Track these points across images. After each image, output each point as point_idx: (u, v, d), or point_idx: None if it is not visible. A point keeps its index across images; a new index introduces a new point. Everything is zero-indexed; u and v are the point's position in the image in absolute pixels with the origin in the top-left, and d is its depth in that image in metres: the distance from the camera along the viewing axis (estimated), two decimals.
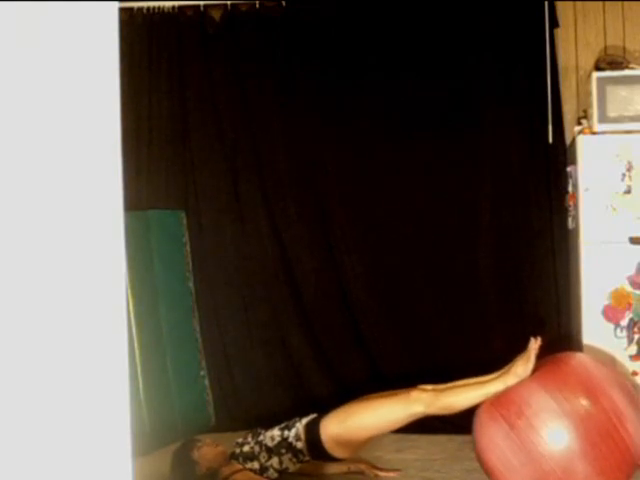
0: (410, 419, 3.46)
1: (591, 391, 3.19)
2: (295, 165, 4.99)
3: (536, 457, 3.09)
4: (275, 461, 3.56)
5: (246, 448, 3.62)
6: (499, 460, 3.19)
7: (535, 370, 3.31)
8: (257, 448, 3.60)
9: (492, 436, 3.22)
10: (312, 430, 3.54)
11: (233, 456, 3.61)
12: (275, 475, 3.57)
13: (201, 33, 5.01)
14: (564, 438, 3.09)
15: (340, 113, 4.92)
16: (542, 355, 3.41)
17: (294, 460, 3.57)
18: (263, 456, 3.57)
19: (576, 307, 4.39)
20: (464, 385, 3.48)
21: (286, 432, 3.58)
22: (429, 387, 3.53)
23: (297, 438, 3.55)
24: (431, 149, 4.84)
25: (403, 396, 3.46)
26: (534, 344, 3.34)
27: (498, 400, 3.27)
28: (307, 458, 3.57)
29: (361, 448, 3.68)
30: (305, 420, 3.61)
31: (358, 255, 4.93)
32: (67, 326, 1.17)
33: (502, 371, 3.41)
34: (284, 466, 3.57)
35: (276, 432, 3.61)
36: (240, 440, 3.68)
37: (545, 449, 3.08)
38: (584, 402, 3.14)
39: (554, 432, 3.10)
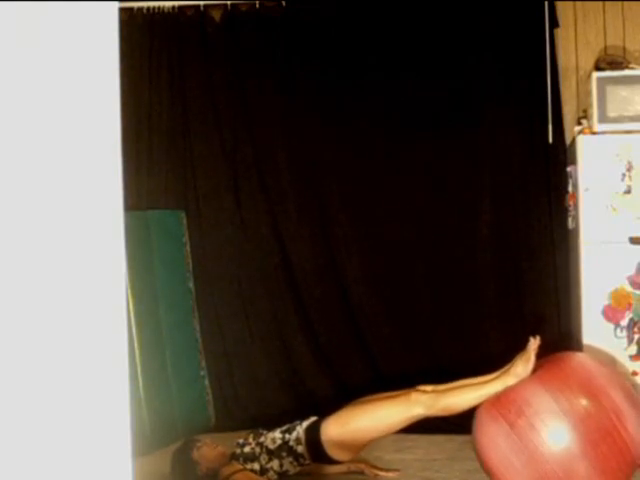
0: (410, 421, 3.46)
1: (591, 391, 3.19)
2: (295, 165, 4.99)
3: (537, 457, 3.09)
4: (275, 464, 3.56)
5: (247, 449, 3.61)
6: (499, 460, 3.19)
7: (535, 370, 3.31)
8: (258, 449, 3.60)
9: (492, 436, 3.22)
10: (312, 434, 3.54)
11: (234, 456, 3.61)
12: (275, 477, 3.57)
13: (201, 33, 5.01)
14: (564, 438, 3.09)
15: (340, 113, 4.92)
16: (542, 355, 3.41)
17: (294, 463, 3.57)
18: (264, 458, 3.57)
19: (576, 307, 4.39)
20: (464, 386, 3.48)
21: (287, 435, 3.58)
22: (429, 388, 3.53)
23: (298, 442, 3.55)
24: (431, 149, 4.84)
25: (403, 398, 3.46)
26: (534, 344, 3.34)
27: (498, 400, 3.27)
28: (308, 461, 3.57)
29: (361, 450, 3.69)
30: (305, 423, 3.61)
31: (358, 255, 4.93)
32: (67, 326, 1.17)
33: (502, 371, 3.41)
34: (284, 469, 3.57)
35: (277, 434, 3.61)
36: (241, 441, 3.68)
37: (545, 449, 3.08)
38: (584, 402, 3.14)
39: (554, 432, 3.09)
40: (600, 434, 3.08)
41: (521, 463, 3.12)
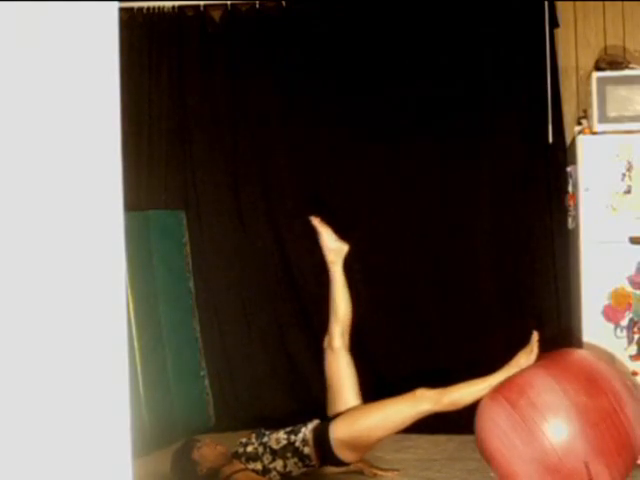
0: (417, 417, 3.49)
1: (592, 376, 3.28)
2: (295, 165, 4.99)
3: (537, 435, 3.14)
4: (279, 464, 3.56)
5: (250, 448, 3.61)
6: (500, 441, 3.23)
7: (537, 361, 3.41)
8: (261, 449, 3.59)
9: (494, 417, 3.27)
10: (320, 434, 3.54)
11: (236, 455, 3.60)
12: (278, 478, 3.57)
13: (201, 33, 5.01)
14: (565, 417, 3.13)
15: (340, 114, 4.92)
16: (542, 354, 3.47)
17: (299, 464, 3.57)
18: (267, 458, 3.57)
19: (576, 307, 4.38)
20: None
21: (292, 436, 3.58)
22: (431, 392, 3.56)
23: (304, 443, 3.55)
24: (431, 150, 4.84)
25: (409, 395, 3.50)
26: (536, 336, 3.45)
27: (501, 384, 3.38)
28: (313, 463, 3.57)
29: (369, 451, 3.69)
30: (311, 425, 3.61)
31: (358, 255, 4.92)
32: (67, 326, 1.17)
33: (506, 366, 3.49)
34: (288, 469, 3.57)
35: (282, 435, 3.60)
36: (244, 440, 3.67)
37: (546, 428, 3.13)
38: (586, 384, 3.23)
39: (555, 411, 3.14)
40: (599, 415, 3.15)
41: (522, 441, 3.17)
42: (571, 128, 4.66)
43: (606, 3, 4.82)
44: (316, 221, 3.91)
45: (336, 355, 3.84)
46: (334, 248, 3.93)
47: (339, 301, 3.89)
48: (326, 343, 3.91)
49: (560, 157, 4.71)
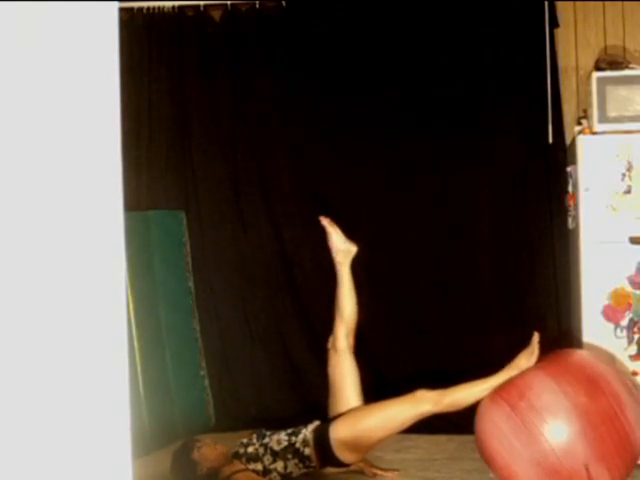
0: (418, 418, 3.50)
1: (593, 378, 3.28)
2: (295, 165, 5.00)
3: (537, 437, 3.14)
4: (280, 465, 3.56)
5: (250, 449, 3.61)
6: (500, 443, 3.24)
7: (537, 363, 3.42)
8: (262, 450, 3.59)
9: (494, 419, 3.27)
10: (321, 435, 3.54)
11: (236, 456, 3.60)
12: (278, 479, 3.57)
13: (201, 33, 5.01)
14: (565, 419, 3.13)
15: (340, 114, 4.92)
16: (542, 354, 3.47)
17: (300, 465, 3.57)
18: (267, 459, 3.57)
19: (576, 307, 4.38)
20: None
21: (293, 437, 3.59)
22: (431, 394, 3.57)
23: (305, 444, 3.55)
24: (431, 149, 4.84)
25: (409, 396, 3.50)
26: (537, 337, 3.45)
27: (501, 386, 3.38)
28: (314, 464, 3.57)
29: (369, 451, 3.69)
30: (311, 426, 3.61)
31: (358, 255, 4.92)
32: (67, 326, 1.17)
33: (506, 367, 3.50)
34: (288, 470, 3.57)
35: (283, 436, 3.61)
36: (245, 440, 3.67)
37: (546, 429, 3.13)
38: (586, 386, 3.23)
39: (555, 412, 3.15)
40: (600, 417, 3.15)
41: (521, 443, 3.17)
42: (571, 128, 4.66)
43: (606, 3, 4.82)
44: (326, 221, 3.90)
45: (340, 356, 3.83)
46: (343, 249, 3.92)
47: (345, 302, 3.88)
48: (330, 344, 3.90)
49: (560, 157, 4.71)
